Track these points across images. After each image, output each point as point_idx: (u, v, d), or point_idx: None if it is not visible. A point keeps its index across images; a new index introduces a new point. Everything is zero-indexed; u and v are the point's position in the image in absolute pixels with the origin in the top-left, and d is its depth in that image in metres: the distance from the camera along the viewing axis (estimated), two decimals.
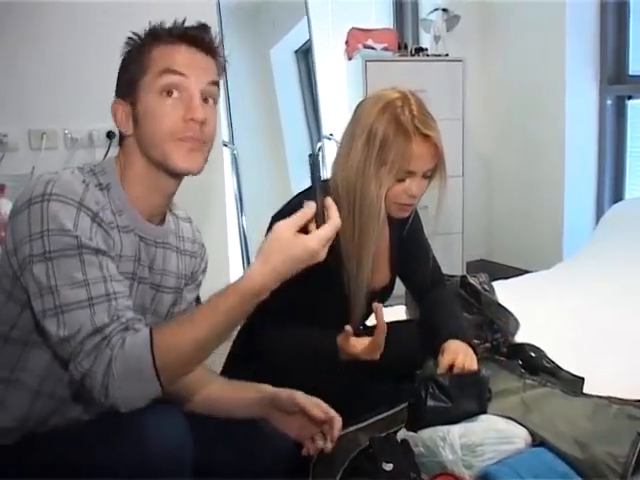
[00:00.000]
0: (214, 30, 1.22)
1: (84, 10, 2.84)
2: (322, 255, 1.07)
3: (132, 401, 1.04)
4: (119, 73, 1.20)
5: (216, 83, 1.21)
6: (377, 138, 1.53)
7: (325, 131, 3.77)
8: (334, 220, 1.08)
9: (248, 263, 3.43)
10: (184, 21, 1.19)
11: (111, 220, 1.14)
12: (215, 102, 1.21)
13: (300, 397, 1.33)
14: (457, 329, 1.70)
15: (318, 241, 1.06)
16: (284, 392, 1.34)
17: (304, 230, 1.07)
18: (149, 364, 1.02)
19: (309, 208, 1.07)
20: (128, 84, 1.17)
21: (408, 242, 1.79)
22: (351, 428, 1.50)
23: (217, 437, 1.29)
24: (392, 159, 1.52)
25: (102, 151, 2.91)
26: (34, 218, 1.05)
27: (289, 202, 1.63)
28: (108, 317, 1.05)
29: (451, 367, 1.56)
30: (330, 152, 3.68)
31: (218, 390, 1.37)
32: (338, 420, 1.31)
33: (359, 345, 1.52)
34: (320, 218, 1.07)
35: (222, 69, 1.24)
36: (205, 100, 1.17)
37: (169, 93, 1.14)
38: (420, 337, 1.76)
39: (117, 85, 1.20)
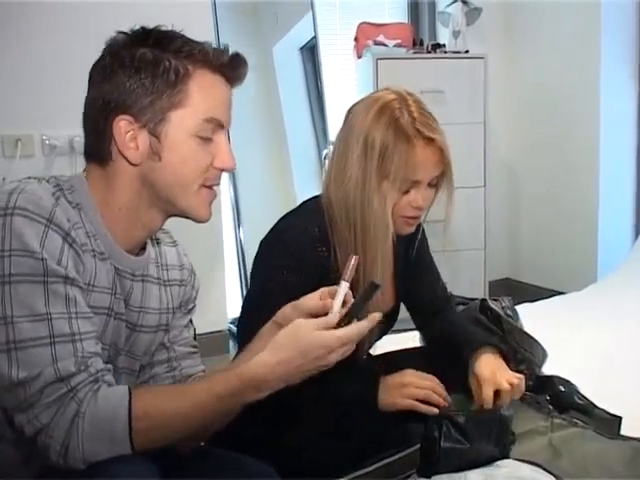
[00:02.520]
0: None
1: (65, 8, 2.86)
2: (336, 358, 1.10)
3: (94, 460, 1.00)
4: (130, 84, 1.10)
5: None
6: (375, 148, 1.50)
7: (332, 136, 3.76)
8: (363, 325, 1.10)
9: (246, 279, 3.41)
10: (226, 48, 1.16)
11: (85, 242, 1.10)
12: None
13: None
14: (484, 339, 1.67)
15: (336, 340, 1.08)
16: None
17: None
18: (123, 427, 1.00)
19: (335, 316, 1.11)
20: (152, 110, 1.11)
21: (414, 262, 1.77)
22: (357, 473, 1.47)
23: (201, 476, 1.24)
24: (395, 169, 1.49)
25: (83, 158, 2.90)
26: None
27: (277, 225, 1.62)
28: (75, 365, 1.01)
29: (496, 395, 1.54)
30: None
31: None
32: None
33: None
34: (347, 318, 1.11)
35: None
36: None
37: (204, 139, 1.14)
38: (432, 365, 1.72)
39: (125, 98, 1.10)
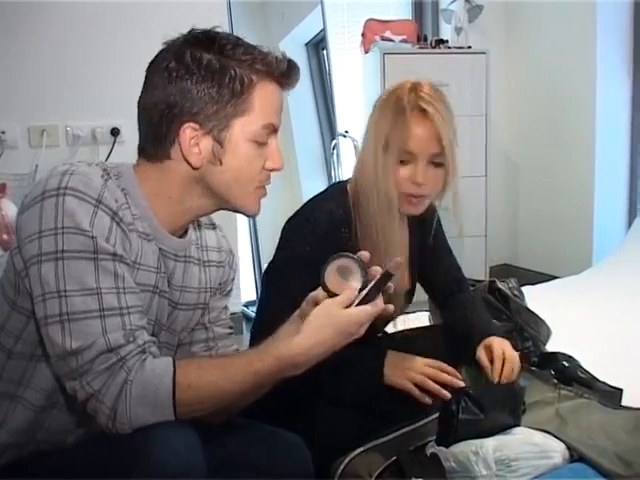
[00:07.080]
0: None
1: (86, 7, 2.86)
2: (363, 331, 1.13)
3: (139, 425, 1.02)
4: (197, 91, 1.10)
5: None
6: (382, 125, 1.55)
7: (340, 128, 3.77)
8: (380, 304, 1.13)
9: (259, 263, 3.43)
10: (284, 57, 1.16)
11: (131, 222, 1.11)
12: None
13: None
14: (492, 329, 1.72)
15: (365, 316, 1.11)
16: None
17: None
18: (168, 396, 1.02)
19: (354, 293, 1.12)
20: (217, 117, 1.12)
21: (430, 248, 1.80)
22: (377, 441, 1.49)
23: (232, 446, 1.25)
24: (392, 139, 1.53)
25: (106, 148, 2.93)
26: (47, 213, 1.02)
27: (303, 207, 1.65)
28: (124, 337, 1.03)
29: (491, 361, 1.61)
30: (346, 150, 3.68)
31: None
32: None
33: None
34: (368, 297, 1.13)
35: None
36: None
37: (260, 144, 1.16)
38: (446, 343, 1.77)
39: (192, 105, 1.10)
